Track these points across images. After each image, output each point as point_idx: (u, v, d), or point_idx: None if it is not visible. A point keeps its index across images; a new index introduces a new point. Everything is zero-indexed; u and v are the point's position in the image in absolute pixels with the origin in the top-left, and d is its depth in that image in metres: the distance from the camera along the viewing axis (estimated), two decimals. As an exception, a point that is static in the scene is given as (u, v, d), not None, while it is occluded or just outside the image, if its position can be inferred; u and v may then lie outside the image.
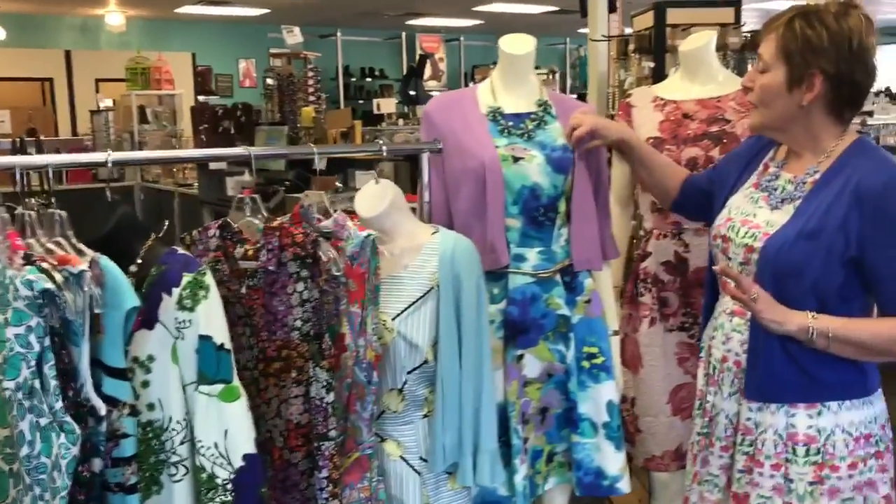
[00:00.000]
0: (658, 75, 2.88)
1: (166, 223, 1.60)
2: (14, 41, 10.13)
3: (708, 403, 1.80)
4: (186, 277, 1.47)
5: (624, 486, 2.04)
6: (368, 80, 13.13)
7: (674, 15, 2.99)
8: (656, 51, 2.88)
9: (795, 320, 1.57)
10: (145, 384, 1.47)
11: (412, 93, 11.54)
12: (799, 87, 1.61)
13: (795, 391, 1.63)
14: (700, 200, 1.92)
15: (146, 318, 1.46)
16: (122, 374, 1.42)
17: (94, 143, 8.19)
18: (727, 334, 1.75)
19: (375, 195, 1.81)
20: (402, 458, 1.80)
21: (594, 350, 2.04)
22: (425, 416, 1.81)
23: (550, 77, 7.01)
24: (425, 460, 1.80)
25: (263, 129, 6.05)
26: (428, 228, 1.84)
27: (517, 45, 2.07)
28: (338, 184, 5.79)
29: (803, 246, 1.59)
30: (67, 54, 10.69)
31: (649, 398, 2.30)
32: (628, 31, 3.67)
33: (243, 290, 1.67)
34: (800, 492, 1.63)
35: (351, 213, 1.73)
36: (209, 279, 1.49)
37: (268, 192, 5.81)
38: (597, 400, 2.04)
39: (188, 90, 10.84)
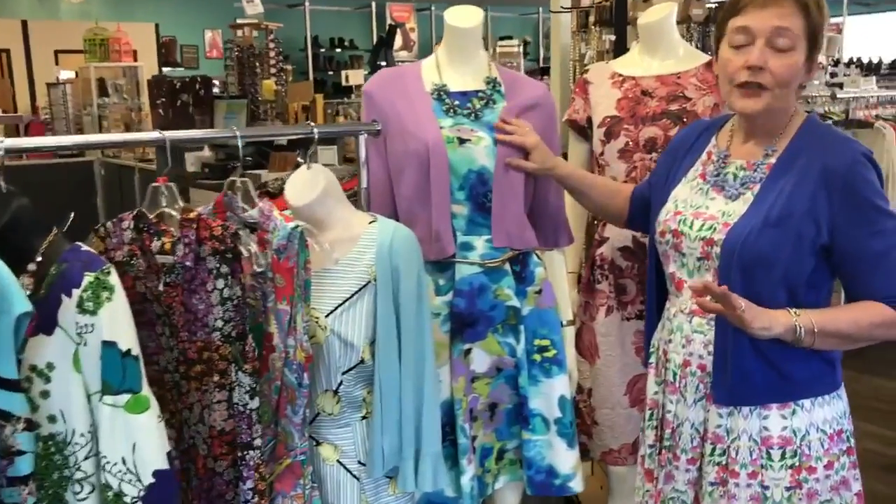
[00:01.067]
0: (619, 49, 2.75)
1: (72, 215, 1.45)
2: (-32, 11, 9.80)
3: (669, 413, 1.67)
4: (88, 277, 1.33)
5: (576, 485, 1.94)
6: (338, 50, 12.88)
7: (635, -15, 2.87)
8: (617, 23, 2.75)
9: (781, 321, 1.47)
10: (45, 394, 1.34)
11: (382, 63, 11.33)
12: (811, 67, 1.53)
13: (768, 391, 1.54)
14: (648, 211, 1.79)
15: (44, 322, 1.33)
16: (15, 386, 1.29)
17: (52, 117, 7.92)
18: (687, 336, 1.63)
19: (306, 182, 1.68)
20: (339, 462, 1.69)
21: (546, 343, 1.94)
22: (364, 417, 1.69)
23: (521, 47, 6.80)
24: (364, 464, 1.69)
25: (223, 103, 5.85)
26: (365, 217, 1.72)
27: (463, 17, 1.94)
28: (299, 159, 5.63)
29: (771, 234, 1.49)
30: (24, 24, 10.34)
31: (606, 389, 2.20)
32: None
33: (161, 287, 1.54)
34: (776, 498, 1.54)
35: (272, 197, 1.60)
36: (114, 279, 1.36)
37: (227, 168, 5.65)
38: (548, 395, 1.93)
39: (151, 62, 10.55)
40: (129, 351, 1.35)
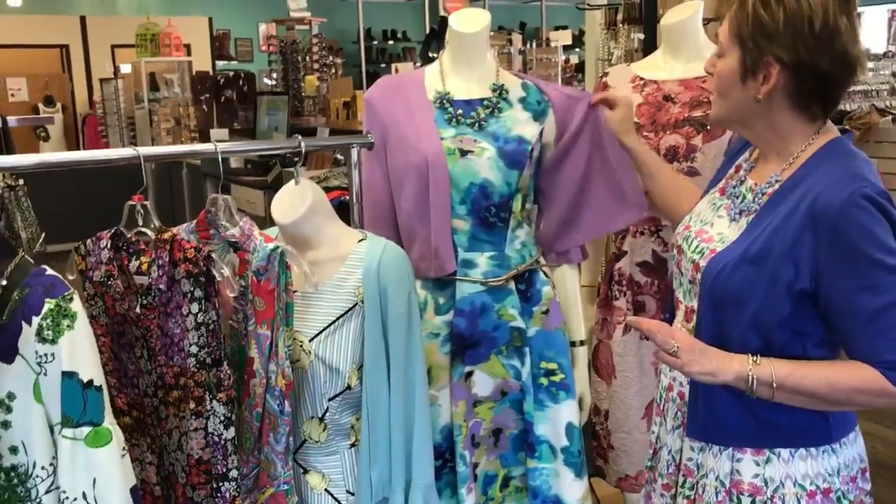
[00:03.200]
0: (649, 48, 2.59)
1: (42, 235, 1.41)
2: (30, 7, 10.03)
3: (653, 434, 1.58)
4: (48, 304, 1.28)
5: (584, 517, 1.84)
6: (391, 42, 12.85)
7: (666, -20, 2.70)
8: (647, 21, 2.60)
9: (733, 368, 1.31)
10: (5, 425, 1.30)
11: (433, 56, 11.25)
12: (754, 77, 1.34)
13: (741, 434, 1.40)
14: None
15: (5, 350, 1.28)
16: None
17: (105, 112, 8.05)
18: None
19: (294, 198, 1.60)
20: (327, 491, 1.61)
21: (553, 366, 1.83)
22: (352, 445, 1.61)
23: (558, 46, 6.50)
24: (353, 493, 1.61)
25: (265, 99, 5.84)
26: (355, 235, 1.63)
27: (468, 21, 1.83)
28: (338, 155, 5.58)
29: (745, 272, 1.33)
30: (83, 20, 10.54)
31: (623, 413, 2.08)
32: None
33: (138, 309, 1.48)
34: None
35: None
36: (76, 305, 1.30)
37: (269, 164, 5.64)
38: (556, 421, 1.82)
39: (205, 56, 10.65)
40: (90, 381, 1.29)
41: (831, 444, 1.40)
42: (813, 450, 1.39)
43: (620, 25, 2.98)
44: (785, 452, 1.38)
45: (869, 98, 4.78)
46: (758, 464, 1.39)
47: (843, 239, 1.27)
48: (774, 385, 1.31)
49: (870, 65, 5.72)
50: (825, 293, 1.30)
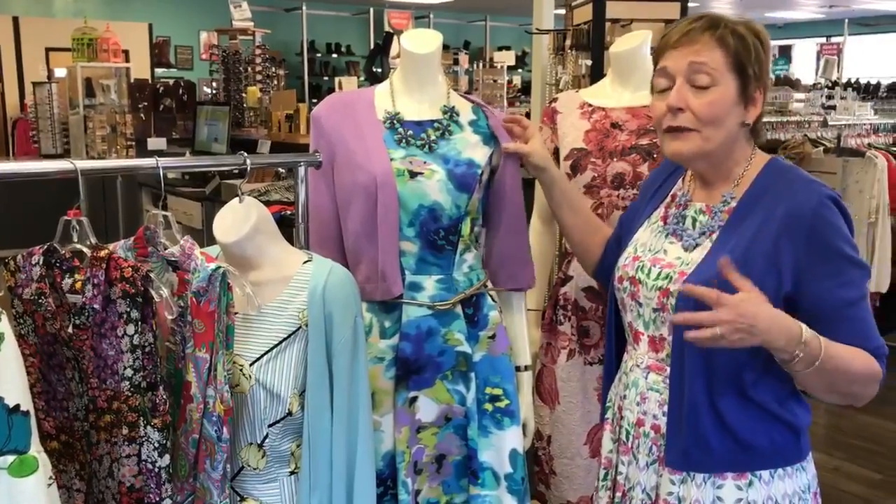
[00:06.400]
0: (596, 75, 2.62)
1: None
2: (-41, 6, 9.68)
3: (620, 475, 1.56)
4: (-27, 325, 1.21)
5: (526, 546, 1.82)
6: (335, 56, 12.79)
7: (614, 8, 2.73)
8: (594, 48, 2.63)
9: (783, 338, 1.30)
10: (-77, 452, 1.22)
11: (377, 70, 11.23)
12: (749, 102, 1.42)
13: (724, 459, 1.42)
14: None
15: (-75, 372, 1.21)
16: None
17: (37, 117, 7.79)
18: (642, 394, 1.51)
19: (237, 217, 1.55)
20: (264, 520, 1.56)
21: (498, 392, 1.81)
22: (292, 472, 1.56)
23: (503, 67, 6.61)
24: (292, 523, 1.57)
25: (205, 109, 5.73)
26: (300, 256, 1.59)
27: (420, 42, 1.81)
28: (280, 169, 5.50)
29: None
30: (15, 21, 10.22)
31: (566, 438, 2.08)
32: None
33: (70, 329, 1.42)
34: None
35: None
36: (3, 326, 1.23)
37: (207, 175, 5.53)
38: (500, 448, 1.80)
39: (144, 63, 10.40)
40: (17, 407, 1.22)
41: (801, 461, 1.45)
42: (789, 469, 1.43)
43: (568, 51, 3.00)
44: (765, 474, 1.42)
45: (801, 128, 4.93)
46: (740, 488, 1.41)
47: (819, 238, 1.35)
48: (818, 364, 1.31)
49: (801, 96, 5.93)
50: (804, 291, 1.36)
